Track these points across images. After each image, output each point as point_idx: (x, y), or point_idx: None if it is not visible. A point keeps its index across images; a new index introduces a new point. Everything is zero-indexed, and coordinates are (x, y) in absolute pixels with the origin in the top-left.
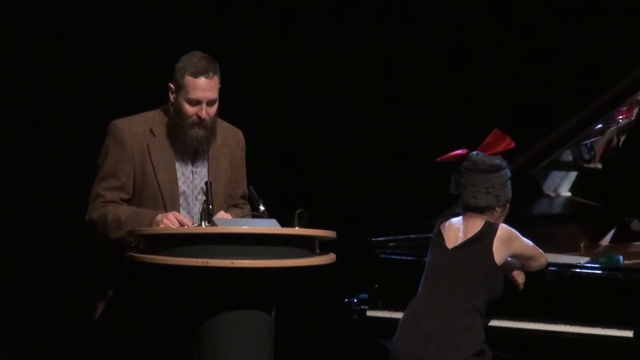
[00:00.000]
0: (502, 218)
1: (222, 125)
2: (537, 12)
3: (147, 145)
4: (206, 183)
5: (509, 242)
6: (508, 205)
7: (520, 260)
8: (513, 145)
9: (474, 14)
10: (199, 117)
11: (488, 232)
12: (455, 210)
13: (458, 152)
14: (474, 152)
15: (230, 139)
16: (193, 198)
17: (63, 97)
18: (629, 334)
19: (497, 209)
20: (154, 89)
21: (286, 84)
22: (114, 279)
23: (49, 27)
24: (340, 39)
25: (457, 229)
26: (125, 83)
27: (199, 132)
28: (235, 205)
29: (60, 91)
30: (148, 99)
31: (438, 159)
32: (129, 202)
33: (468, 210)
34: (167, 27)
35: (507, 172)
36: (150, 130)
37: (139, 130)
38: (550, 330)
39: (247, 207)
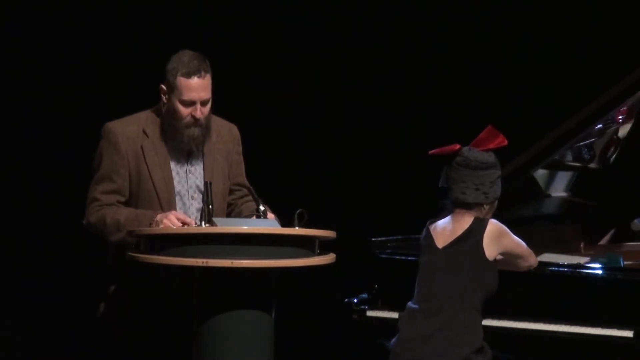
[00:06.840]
0: (490, 215)
1: (216, 122)
2: (537, 11)
3: (141, 146)
4: (205, 183)
5: (499, 237)
6: (496, 202)
7: (509, 258)
8: (506, 142)
9: (474, 13)
10: (193, 117)
11: (477, 228)
12: (444, 202)
13: (451, 147)
14: (467, 148)
15: (225, 135)
16: (189, 197)
17: (55, 99)
18: (629, 334)
19: (485, 206)
20: (146, 90)
21: (285, 82)
22: (115, 279)
23: (43, 27)
24: (338, 38)
25: (445, 228)
26: (117, 84)
27: (195, 131)
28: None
29: (53, 94)
30: (140, 100)
31: (430, 152)
32: (125, 204)
33: (456, 205)
34: (159, 26)
35: (498, 170)
36: (144, 131)
37: (132, 132)
38: (550, 330)
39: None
